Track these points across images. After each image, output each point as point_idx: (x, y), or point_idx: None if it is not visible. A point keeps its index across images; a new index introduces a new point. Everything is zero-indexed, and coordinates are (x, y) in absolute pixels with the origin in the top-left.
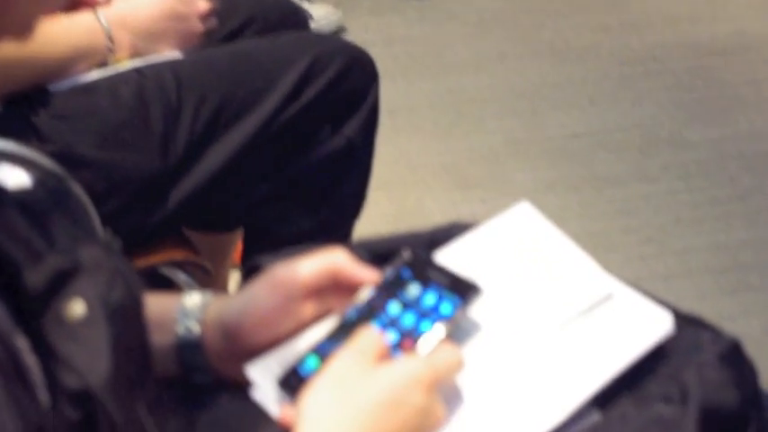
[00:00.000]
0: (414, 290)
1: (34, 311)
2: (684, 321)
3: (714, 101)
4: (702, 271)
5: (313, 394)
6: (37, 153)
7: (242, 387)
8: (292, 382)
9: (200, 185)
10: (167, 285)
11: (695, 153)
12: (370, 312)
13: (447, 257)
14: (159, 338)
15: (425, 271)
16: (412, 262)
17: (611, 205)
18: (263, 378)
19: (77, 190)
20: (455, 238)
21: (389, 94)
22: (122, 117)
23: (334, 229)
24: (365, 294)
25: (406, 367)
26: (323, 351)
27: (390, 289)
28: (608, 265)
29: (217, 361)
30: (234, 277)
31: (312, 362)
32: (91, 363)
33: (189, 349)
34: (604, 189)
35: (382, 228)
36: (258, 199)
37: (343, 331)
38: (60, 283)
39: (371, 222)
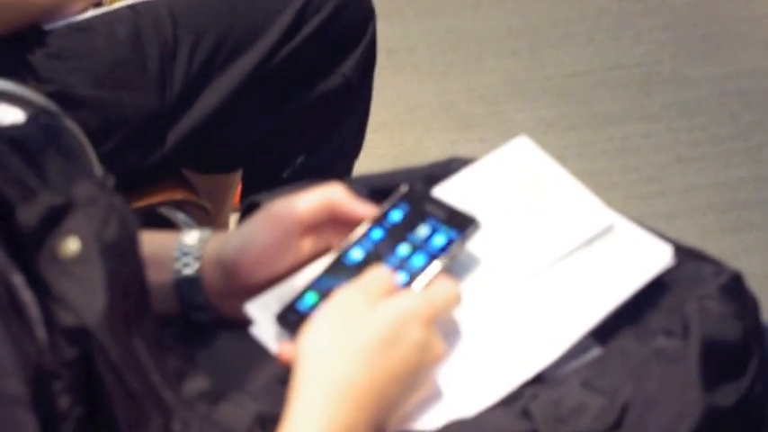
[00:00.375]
0: (410, 224)
1: (28, 249)
2: (686, 255)
3: (715, 37)
4: (704, 209)
5: (313, 330)
6: (32, 91)
7: (241, 325)
8: (290, 318)
9: (198, 125)
10: (166, 226)
11: (696, 91)
12: (366, 247)
13: (445, 192)
14: (158, 276)
15: (423, 205)
16: (409, 196)
17: (611, 144)
18: (261, 315)
19: (72, 127)
20: (453, 174)
21: (387, 34)
22: (118, 56)
23: (334, 169)
24: (361, 230)
25: (404, 303)
26: (321, 287)
27: (387, 223)
28: (609, 205)
29: (216, 298)
30: (234, 218)
31: (310, 298)
32: (86, 300)
33: (188, 287)
34: (604, 128)
35: (382, 169)
36: (256, 139)
37: (341, 267)
38: (54, 221)
39: (370, 163)
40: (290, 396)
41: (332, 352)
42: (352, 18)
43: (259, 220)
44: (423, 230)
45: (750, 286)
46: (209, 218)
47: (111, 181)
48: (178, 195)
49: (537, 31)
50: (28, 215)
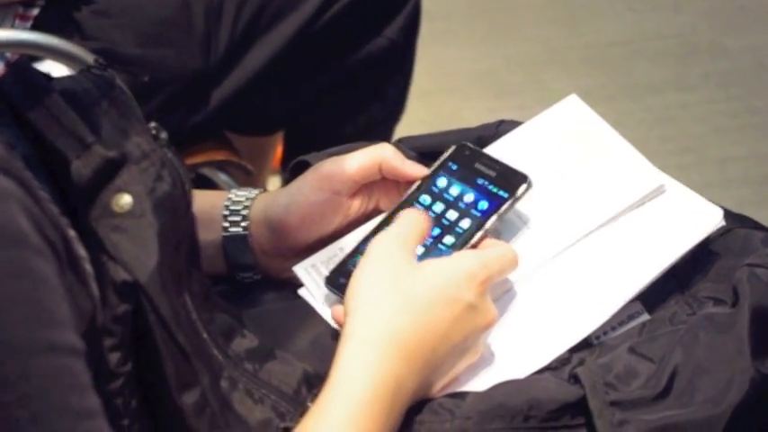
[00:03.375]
0: (461, 185)
1: (82, 203)
2: (735, 221)
3: (754, 8)
4: (741, 181)
5: (359, 285)
6: (78, 47)
7: (288, 285)
8: (340, 281)
9: (242, 86)
10: (208, 186)
11: (734, 61)
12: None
13: (495, 153)
14: (205, 235)
15: (473, 163)
16: (459, 155)
17: (649, 114)
18: (309, 277)
19: (121, 83)
20: (503, 135)
21: (426, 2)
22: (164, 14)
23: (375, 133)
24: (411, 191)
25: (460, 263)
26: None
27: (437, 185)
28: None
29: (263, 258)
30: (273, 182)
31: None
32: (138, 255)
33: (235, 245)
34: (642, 98)
35: None
36: (299, 101)
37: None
38: (107, 175)
39: (408, 131)
40: (339, 348)
41: (380, 304)
42: None
43: (307, 178)
44: (472, 192)
45: None
46: (250, 179)
47: (164, 135)
48: (220, 156)
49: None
50: (82, 169)
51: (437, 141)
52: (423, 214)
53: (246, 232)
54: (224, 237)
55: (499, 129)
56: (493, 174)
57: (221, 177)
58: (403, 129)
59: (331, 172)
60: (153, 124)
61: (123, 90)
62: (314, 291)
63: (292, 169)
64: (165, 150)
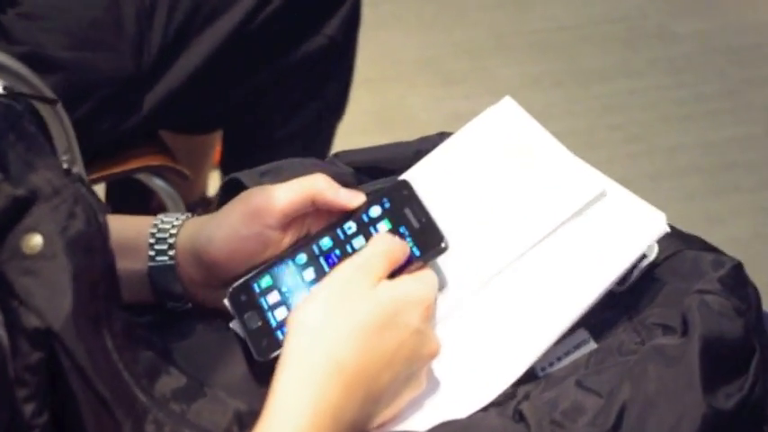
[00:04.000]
0: (387, 222)
1: None
2: (683, 242)
3: None
4: (691, 170)
5: (308, 306)
6: (4, 54)
7: (219, 314)
8: (241, 298)
9: (176, 88)
10: (144, 192)
11: (683, 46)
12: (335, 238)
13: (432, 162)
14: (131, 264)
15: (404, 209)
16: (395, 194)
17: (597, 101)
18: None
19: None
20: None
21: None
22: (93, 16)
23: (317, 130)
24: (337, 219)
25: (406, 287)
26: (276, 272)
27: (362, 218)
28: (594, 164)
29: (192, 288)
30: (214, 177)
31: (265, 281)
32: (51, 300)
33: (162, 276)
34: (590, 84)
35: (364, 126)
36: (237, 100)
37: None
38: (15, 215)
39: (353, 120)
40: (276, 373)
41: (324, 329)
42: None
43: (236, 210)
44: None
45: (737, 251)
46: (187, 183)
47: (76, 169)
48: (156, 161)
49: None
50: None
51: (374, 156)
52: (398, 243)
53: (173, 262)
54: (150, 266)
55: (439, 141)
56: (416, 225)
57: (157, 183)
58: (347, 118)
59: (260, 206)
60: (64, 157)
61: (32, 121)
62: None
63: (224, 187)
64: (77, 185)
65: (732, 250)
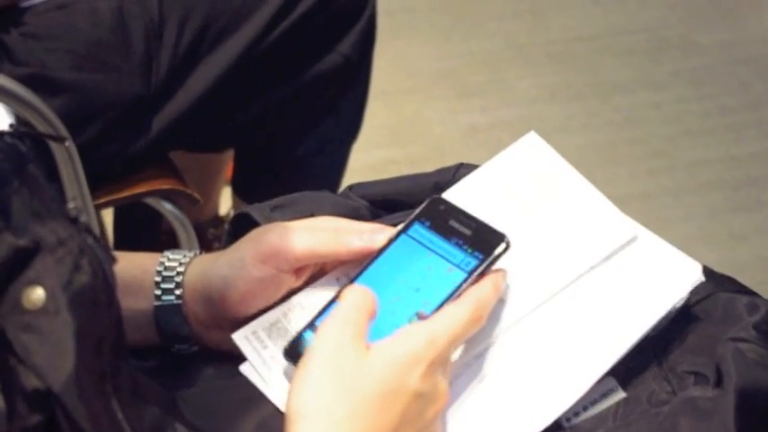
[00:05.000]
0: (427, 250)
1: None
2: (717, 283)
3: (725, 1)
4: (713, 186)
5: (303, 385)
6: (6, 78)
7: (228, 357)
8: (300, 351)
9: (186, 109)
10: (152, 216)
11: (705, 58)
12: (375, 276)
13: (452, 199)
14: (135, 303)
15: (446, 221)
16: (430, 212)
17: (618, 114)
18: (251, 347)
19: (34, 158)
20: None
21: None
22: (101, 36)
23: (332, 149)
24: (371, 258)
25: (404, 345)
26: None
27: (398, 249)
28: (615, 180)
29: (200, 329)
30: (226, 192)
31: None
32: (51, 359)
33: (169, 316)
34: (610, 97)
35: (379, 140)
36: (249, 120)
37: None
38: (17, 267)
39: (368, 134)
40: None
41: (324, 416)
42: None
43: (250, 251)
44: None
45: (762, 270)
46: (197, 207)
47: (84, 218)
48: (165, 185)
49: None
50: None
51: (391, 189)
52: (366, 292)
53: (180, 301)
54: (156, 306)
55: (457, 173)
56: (468, 233)
57: (166, 207)
58: (362, 132)
59: (275, 249)
60: (71, 205)
61: (38, 164)
62: (256, 363)
63: (234, 221)
64: (84, 235)
65: (756, 269)
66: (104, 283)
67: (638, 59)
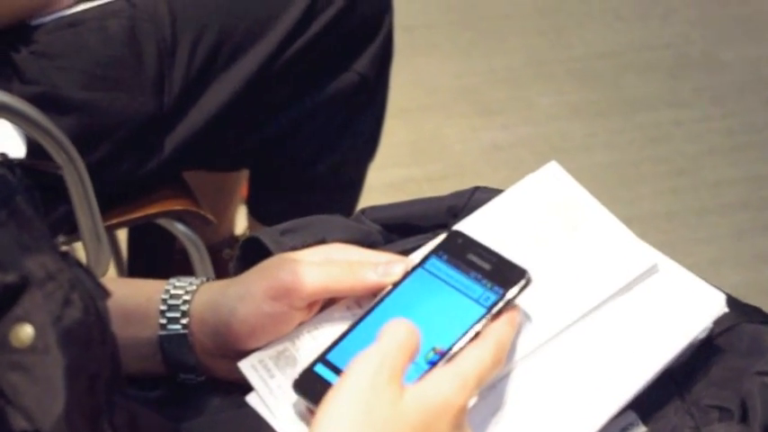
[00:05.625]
0: (446, 285)
1: None
2: (742, 313)
3: (749, 17)
4: (738, 206)
5: (333, 425)
6: (14, 98)
7: (235, 387)
8: (311, 385)
9: (199, 129)
10: (165, 237)
11: (729, 75)
12: (390, 309)
13: (470, 227)
14: (140, 332)
15: (465, 255)
16: (448, 246)
17: (641, 132)
18: (257, 376)
19: (22, 189)
20: (477, 205)
21: (405, 10)
22: (112, 54)
23: (348, 168)
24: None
25: (436, 392)
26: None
27: (420, 281)
28: (637, 199)
29: (206, 359)
30: (242, 211)
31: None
32: (41, 400)
33: (174, 345)
34: (633, 114)
35: (398, 158)
36: (263, 140)
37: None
38: (4, 303)
39: (386, 152)
40: None
41: None
42: (368, 10)
43: (261, 285)
44: (462, 294)
45: None
46: (212, 227)
47: (72, 252)
48: (177, 205)
49: (562, 7)
50: None
51: (404, 213)
52: (411, 329)
53: (186, 330)
54: (161, 335)
55: (473, 197)
56: (488, 267)
57: (179, 228)
58: (381, 150)
59: (288, 285)
60: (61, 239)
61: (27, 197)
62: (263, 393)
63: (243, 246)
64: (75, 269)
65: None
66: (97, 319)
67: (661, 76)
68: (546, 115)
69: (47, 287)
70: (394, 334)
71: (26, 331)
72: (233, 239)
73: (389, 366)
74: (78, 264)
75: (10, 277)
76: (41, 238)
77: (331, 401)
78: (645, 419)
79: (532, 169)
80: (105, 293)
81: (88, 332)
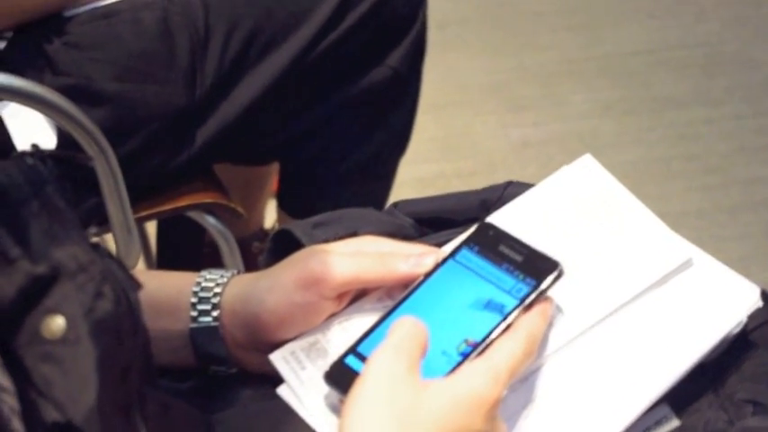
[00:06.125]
0: (477, 275)
1: (5, 328)
2: None
3: None
4: None
5: (357, 418)
6: (46, 89)
7: (266, 379)
8: (341, 377)
9: (230, 122)
10: (195, 230)
11: (761, 73)
12: (421, 301)
13: (504, 219)
14: (171, 325)
15: (496, 246)
16: (479, 237)
17: (672, 130)
18: (288, 368)
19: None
20: (510, 199)
21: (438, 6)
22: (145, 47)
23: (379, 163)
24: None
25: (470, 384)
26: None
27: (452, 273)
28: (668, 196)
29: (237, 351)
30: (271, 205)
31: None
32: (73, 391)
33: (205, 338)
34: (664, 112)
35: (428, 154)
36: (296, 133)
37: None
38: (36, 295)
39: (416, 148)
40: None
41: None
42: (401, 5)
43: (291, 276)
44: (492, 285)
45: None
46: (241, 221)
47: (103, 244)
48: (207, 198)
49: (595, 5)
50: (4, 288)
51: (437, 206)
52: (418, 324)
53: (217, 323)
54: (192, 328)
55: (506, 191)
56: (520, 259)
57: (209, 221)
58: (411, 146)
59: (318, 275)
60: (92, 231)
61: (59, 188)
62: (294, 384)
63: (275, 238)
64: (106, 261)
65: None
66: (128, 310)
67: (693, 74)
68: (577, 112)
69: (78, 279)
70: (401, 328)
71: (57, 323)
72: (262, 233)
73: (405, 356)
74: (110, 255)
75: (41, 268)
76: (73, 229)
77: (353, 396)
78: (678, 413)
79: (562, 166)
80: (137, 285)
81: (119, 324)
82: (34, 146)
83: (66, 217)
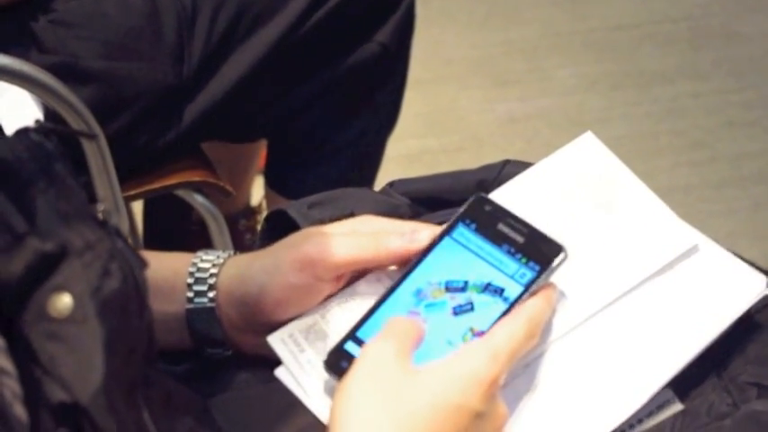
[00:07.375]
0: (476, 253)
1: (11, 306)
2: None
3: None
4: (756, 179)
5: (348, 399)
6: (32, 66)
7: (262, 361)
8: (342, 364)
9: (218, 99)
10: (183, 208)
11: (749, 47)
12: (419, 288)
13: (502, 199)
14: (167, 306)
15: (494, 224)
16: (475, 212)
17: (658, 105)
18: (287, 350)
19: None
20: (507, 179)
21: None
22: (132, 24)
23: (368, 141)
24: (416, 260)
25: (466, 363)
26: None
27: (445, 252)
28: (655, 172)
29: (234, 333)
30: (258, 182)
31: (353, 348)
32: (79, 370)
33: (201, 319)
34: (651, 87)
35: (415, 129)
36: (284, 110)
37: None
38: (43, 272)
39: (403, 124)
40: None
41: (373, 424)
42: None
43: (287, 258)
44: (492, 266)
45: None
46: (229, 198)
47: (114, 220)
48: (196, 176)
49: None
50: (12, 265)
51: (433, 186)
52: (414, 323)
53: (213, 304)
54: (188, 309)
55: (503, 171)
56: (521, 240)
57: (198, 199)
58: (398, 121)
59: (315, 257)
60: (101, 207)
61: (65, 164)
62: (292, 367)
63: (268, 218)
64: (114, 239)
65: None
66: (135, 290)
67: (680, 49)
68: (562, 87)
69: (85, 257)
70: (396, 324)
71: (64, 301)
72: (249, 210)
73: (394, 342)
74: (117, 233)
75: (49, 246)
76: (81, 206)
77: (345, 384)
78: (682, 397)
79: (548, 141)
80: (144, 263)
81: (126, 303)
82: (37, 122)
83: (75, 194)
